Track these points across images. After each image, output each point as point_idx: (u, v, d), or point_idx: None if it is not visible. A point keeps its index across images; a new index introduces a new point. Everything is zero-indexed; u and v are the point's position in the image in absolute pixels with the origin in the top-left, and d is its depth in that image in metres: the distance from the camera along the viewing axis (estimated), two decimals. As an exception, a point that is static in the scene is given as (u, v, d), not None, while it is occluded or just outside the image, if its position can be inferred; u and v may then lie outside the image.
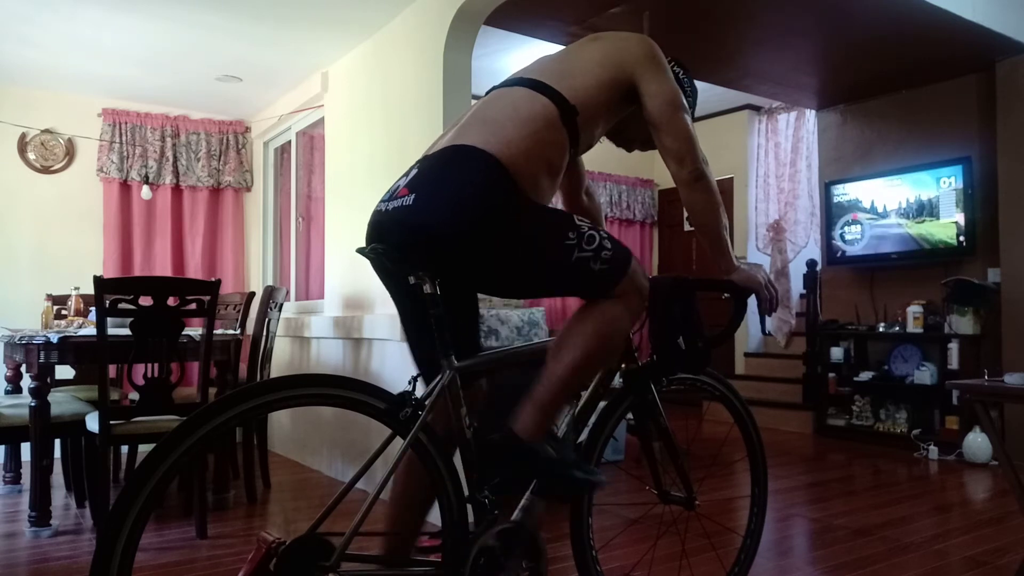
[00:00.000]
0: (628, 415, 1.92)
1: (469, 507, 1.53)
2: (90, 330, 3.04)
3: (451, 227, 1.40)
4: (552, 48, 4.31)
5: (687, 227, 7.45)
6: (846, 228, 5.54)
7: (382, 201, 1.51)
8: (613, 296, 1.54)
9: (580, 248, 1.48)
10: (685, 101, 1.63)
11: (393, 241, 1.46)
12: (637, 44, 1.64)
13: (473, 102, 1.70)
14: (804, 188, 6.57)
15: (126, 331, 2.84)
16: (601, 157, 7.03)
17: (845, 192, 5.55)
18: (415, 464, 1.52)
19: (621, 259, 1.53)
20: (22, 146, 4.78)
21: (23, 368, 3.55)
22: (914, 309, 5.02)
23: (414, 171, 1.50)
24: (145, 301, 2.78)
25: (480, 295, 1.75)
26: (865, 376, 5.26)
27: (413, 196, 1.43)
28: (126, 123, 5.02)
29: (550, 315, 6.35)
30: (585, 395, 1.80)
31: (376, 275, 1.64)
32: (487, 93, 1.66)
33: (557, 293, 1.68)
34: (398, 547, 1.62)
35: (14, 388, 3.82)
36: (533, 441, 1.47)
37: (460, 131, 1.52)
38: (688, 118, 1.62)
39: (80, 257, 4.88)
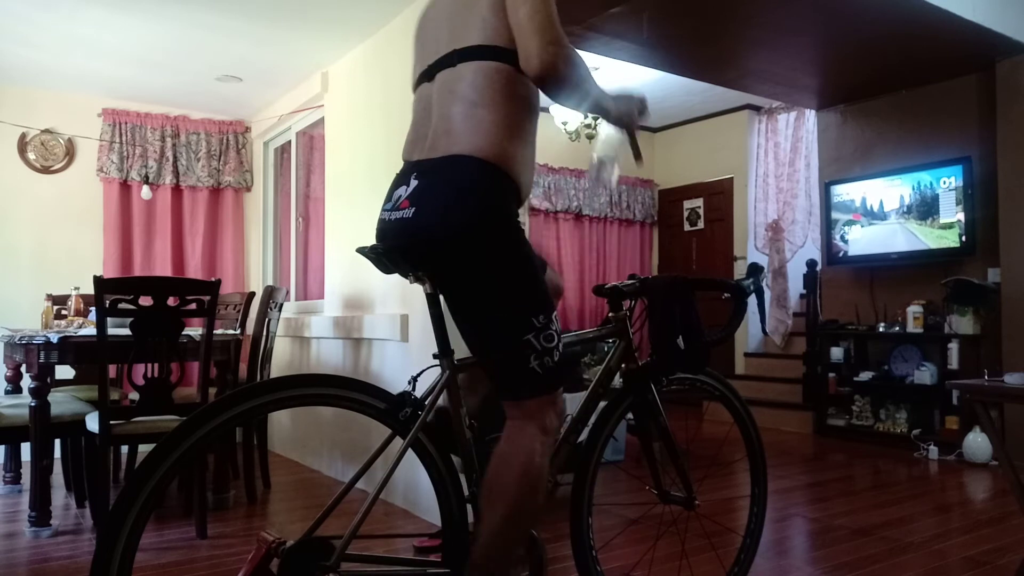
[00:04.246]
0: (628, 415, 1.92)
1: (469, 507, 1.53)
2: (90, 330, 3.04)
3: (450, 229, 1.40)
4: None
5: (687, 227, 7.45)
6: (846, 228, 5.54)
7: (384, 209, 1.52)
8: (525, 407, 1.45)
9: (536, 336, 1.41)
10: None
11: (393, 243, 1.48)
12: None
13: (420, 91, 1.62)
14: (802, 188, 6.57)
15: (126, 331, 2.84)
16: (601, 157, 7.09)
17: (845, 192, 5.55)
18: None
19: (557, 376, 1.46)
20: (22, 146, 4.78)
21: (23, 368, 3.54)
22: (914, 309, 5.01)
23: (414, 183, 1.47)
24: (145, 301, 2.78)
25: None
26: (865, 376, 5.26)
27: (414, 210, 1.43)
28: (126, 123, 5.02)
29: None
30: (585, 395, 1.80)
31: (376, 275, 1.64)
32: (426, 79, 1.56)
33: (477, 348, 1.51)
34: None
35: (14, 388, 3.81)
36: None
37: (447, 135, 1.46)
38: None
39: (80, 257, 4.88)
